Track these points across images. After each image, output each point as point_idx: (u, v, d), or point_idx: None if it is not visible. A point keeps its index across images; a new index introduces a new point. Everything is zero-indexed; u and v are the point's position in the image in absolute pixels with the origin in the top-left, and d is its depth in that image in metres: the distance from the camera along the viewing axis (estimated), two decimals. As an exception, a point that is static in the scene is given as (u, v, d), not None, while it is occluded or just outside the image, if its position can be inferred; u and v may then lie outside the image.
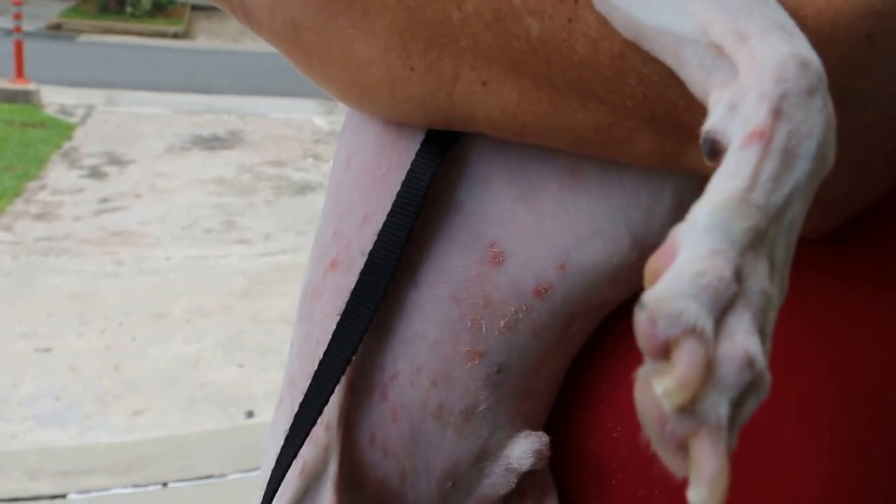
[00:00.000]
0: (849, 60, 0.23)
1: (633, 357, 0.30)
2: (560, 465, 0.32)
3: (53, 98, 5.09)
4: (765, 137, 0.18)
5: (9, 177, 3.79)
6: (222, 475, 1.84)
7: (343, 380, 0.29)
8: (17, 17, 5.21)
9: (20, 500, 1.79)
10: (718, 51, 0.20)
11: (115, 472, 1.89)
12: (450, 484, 0.30)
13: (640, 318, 0.17)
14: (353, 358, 0.29)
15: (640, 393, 0.16)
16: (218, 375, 2.25)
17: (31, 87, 5.06)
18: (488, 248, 0.29)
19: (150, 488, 1.84)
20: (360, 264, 0.29)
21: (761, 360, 0.17)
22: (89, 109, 5.02)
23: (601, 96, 0.25)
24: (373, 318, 0.28)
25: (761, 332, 0.17)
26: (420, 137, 0.29)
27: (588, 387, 0.31)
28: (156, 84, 5.74)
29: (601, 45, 0.24)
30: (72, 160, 4.15)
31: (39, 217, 3.43)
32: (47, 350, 2.38)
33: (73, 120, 4.79)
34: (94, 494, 1.83)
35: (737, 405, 0.17)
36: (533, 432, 0.31)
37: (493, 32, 0.25)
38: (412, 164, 0.29)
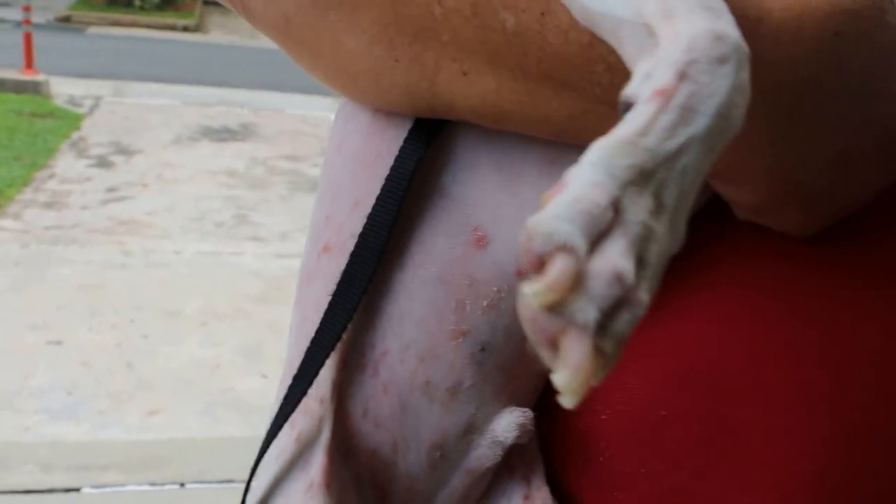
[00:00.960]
0: (816, 55, 0.25)
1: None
2: (549, 444, 0.33)
3: (62, 89, 5.06)
4: (666, 94, 0.20)
5: (18, 166, 3.75)
6: (243, 480, 1.79)
7: (336, 357, 0.31)
8: (27, 9, 5.21)
9: (34, 493, 1.74)
10: (649, 30, 0.22)
11: (130, 470, 1.84)
12: (438, 455, 0.31)
13: (521, 237, 0.19)
14: (346, 336, 0.31)
15: (520, 300, 0.19)
16: (238, 383, 2.20)
17: (41, 78, 5.04)
18: (473, 232, 0.30)
19: (168, 487, 1.79)
20: (351, 247, 0.30)
21: (630, 278, 0.19)
22: (97, 100, 4.99)
23: (573, 84, 0.26)
24: (361, 299, 0.30)
25: (641, 261, 0.19)
26: (408, 126, 0.30)
27: None
28: (165, 76, 5.71)
29: (571, 35, 0.26)
30: (79, 150, 4.11)
31: (48, 206, 3.39)
32: (58, 343, 2.33)
33: (81, 111, 4.76)
34: (108, 490, 1.78)
35: (609, 316, 0.19)
36: (518, 408, 0.32)
37: (471, 26, 0.27)
38: (400, 151, 0.30)
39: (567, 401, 0.18)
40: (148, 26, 7.86)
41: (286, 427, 0.32)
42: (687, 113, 0.20)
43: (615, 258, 0.19)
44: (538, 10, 0.26)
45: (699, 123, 0.20)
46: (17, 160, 3.81)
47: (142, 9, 8.30)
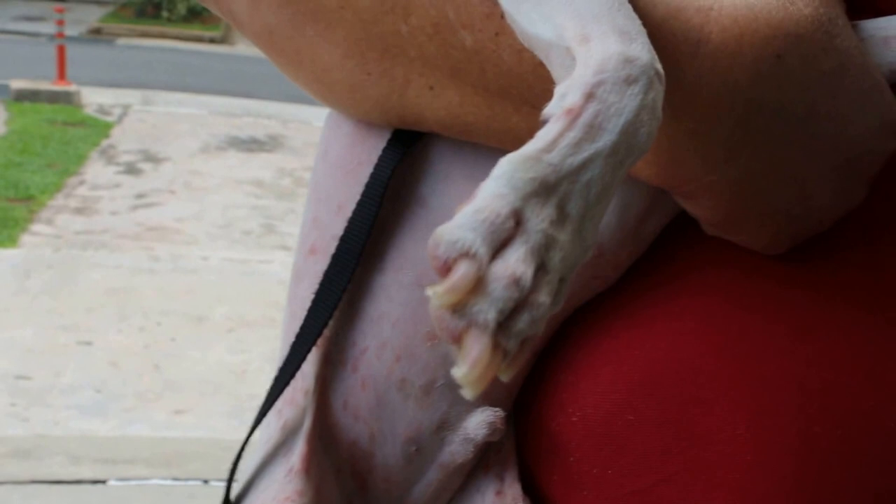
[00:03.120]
0: (757, 76, 0.26)
1: (594, 350, 0.32)
2: (524, 443, 0.34)
3: (92, 98, 5.21)
4: (573, 113, 0.22)
5: (50, 173, 3.87)
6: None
7: (320, 352, 0.33)
8: (60, 23, 5.38)
9: (62, 483, 1.81)
10: (570, 53, 0.23)
11: (154, 464, 1.90)
12: (413, 449, 0.33)
13: (429, 245, 0.20)
14: (329, 333, 0.32)
15: (428, 298, 0.20)
16: (265, 389, 2.24)
17: (72, 88, 5.19)
18: None
19: (191, 483, 1.85)
20: (333, 249, 0.32)
21: (527, 282, 0.21)
22: (126, 109, 5.12)
23: (530, 100, 0.28)
24: (341, 298, 0.31)
25: (544, 267, 0.21)
26: (387, 136, 0.32)
27: (551, 376, 0.33)
28: (192, 86, 5.83)
29: (525, 55, 0.27)
30: (109, 157, 4.23)
31: (79, 211, 3.50)
32: (88, 343, 2.41)
33: (110, 119, 4.89)
34: (133, 483, 1.84)
35: (509, 317, 0.20)
36: (490, 408, 0.33)
37: (434, 43, 0.28)
38: (378, 159, 0.32)
39: (467, 392, 0.20)
40: (175, 38, 8.02)
41: (274, 416, 0.34)
42: (592, 130, 0.22)
43: (514, 264, 0.20)
44: (493, 31, 0.27)
45: (604, 140, 0.22)
46: (50, 167, 3.94)
47: (169, 20, 8.49)
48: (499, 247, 0.21)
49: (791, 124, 0.27)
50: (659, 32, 0.25)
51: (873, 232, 0.30)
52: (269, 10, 0.31)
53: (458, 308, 0.20)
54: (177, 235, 3.32)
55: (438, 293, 0.20)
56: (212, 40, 8.16)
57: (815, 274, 0.30)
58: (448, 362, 0.32)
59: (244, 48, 7.73)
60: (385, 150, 0.32)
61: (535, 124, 0.28)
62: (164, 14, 8.58)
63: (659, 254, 0.32)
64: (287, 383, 0.32)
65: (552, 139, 0.22)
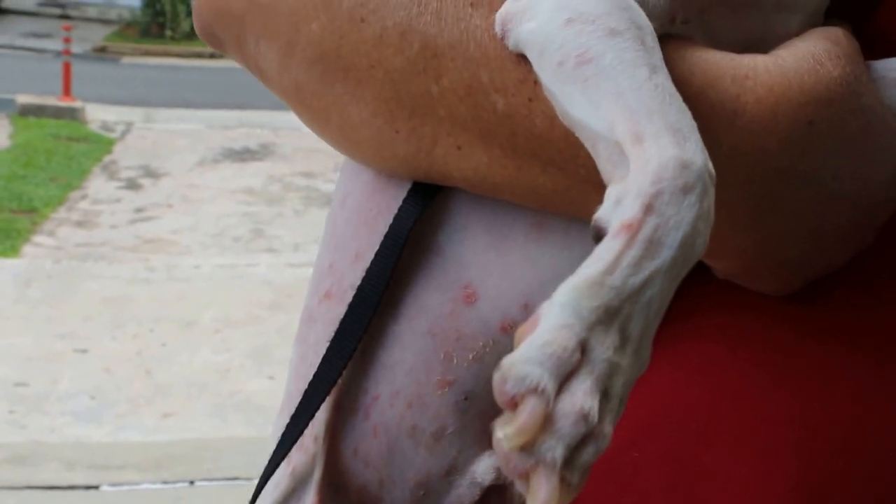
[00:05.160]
0: (790, 144, 0.26)
1: None
2: None
3: (96, 115, 5.29)
4: (632, 229, 0.22)
5: (54, 186, 3.94)
6: (249, 479, 1.88)
7: (331, 399, 0.33)
8: (67, 40, 5.50)
9: (57, 489, 1.86)
10: (621, 149, 0.23)
11: (145, 469, 1.94)
12: (422, 493, 0.34)
13: (495, 378, 0.21)
14: (341, 380, 0.33)
15: (495, 435, 0.21)
16: (247, 385, 2.30)
17: (77, 104, 5.27)
18: (463, 289, 0.32)
19: (178, 485, 1.89)
20: (350, 297, 0.33)
21: (595, 416, 0.21)
22: (128, 126, 5.20)
23: (559, 164, 0.28)
24: (356, 347, 0.32)
25: (606, 395, 0.21)
26: (407, 186, 0.32)
27: None
28: (192, 101, 5.91)
29: (557, 122, 0.27)
30: (111, 172, 4.30)
31: (80, 224, 3.57)
32: (84, 351, 2.47)
33: (113, 135, 4.97)
34: (125, 488, 1.89)
35: (574, 450, 0.21)
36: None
37: (465, 105, 0.29)
38: (398, 210, 0.32)
39: None
40: (177, 55, 8.13)
41: (283, 461, 0.34)
42: (652, 246, 0.22)
43: (581, 398, 0.20)
44: (526, 96, 0.27)
45: (664, 256, 0.22)
46: (53, 181, 4.01)
47: (172, 38, 8.62)
48: (564, 379, 0.21)
49: (817, 187, 0.27)
50: (696, 103, 0.25)
51: (871, 273, 0.30)
52: (298, 67, 0.31)
53: (527, 446, 0.20)
54: (172, 247, 3.38)
55: (508, 435, 0.20)
56: (212, 55, 8.26)
57: (814, 312, 0.30)
58: (458, 409, 0.32)
59: (244, 64, 7.79)
60: (405, 200, 0.32)
61: (560, 185, 0.28)
62: (168, 33, 8.71)
63: None
64: (301, 432, 0.33)
65: (613, 259, 0.22)
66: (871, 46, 0.29)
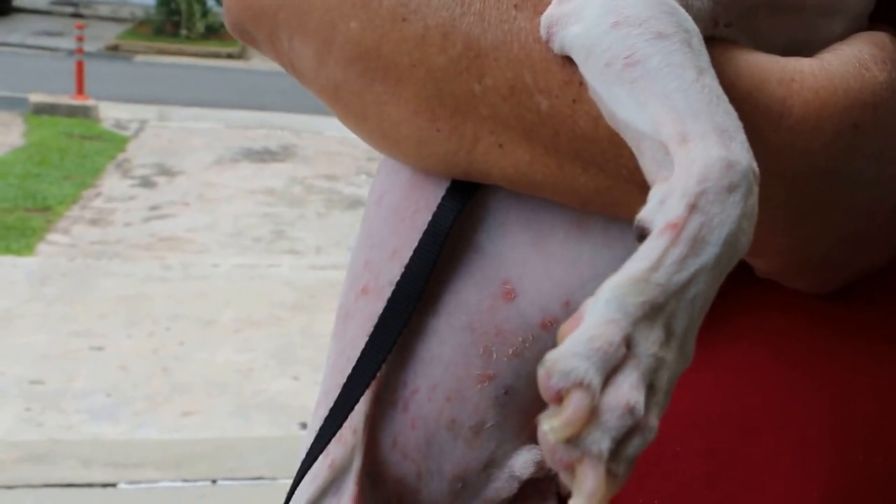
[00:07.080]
0: (835, 147, 0.26)
1: None
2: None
3: (110, 113, 5.30)
4: (677, 228, 0.22)
5: (67, 185, 3.94)
6: (273, 478, 1.86)
7: (370, 392, 0.33)
8: (80, 39, 5.50)
9: (74, 486, 1.84)
10: (666, 149, 0.23)
11: (164, 467, 1.92)
12: (460, 485, 0.34)
13: (540, 373, 0.21)
14: (380, 374, 0.33)
15: (540, 427, 0.21)
16: (270, 385, 2.28)
17: (90, 102, 5.29)
18: (502, 285, 0.32)
19: (200, 483, 1.87)
20: (387, 293, 0.33)
21: (641, 409, 0.21)
22: (142, 124, 5.21)
23: (601, 164, 0.28)
24: (395, 342, 0.32)
25: (652, 388, 0.21)
26: (446, 184, 0.32)
27: None
28: (208, 101, 5.91)
29: (601, 122, 0.27)
30: (124, 170, 4.30)
31: (94, 222, 3.56)
32: (100, 349, 2.45)
33: (127, 133, 4.98)
34: (143, 486, 1.87)
35: (621, 443, 0.21)
36: (536, 446, 0.33)
37: (508, 104, 0.29)
38: (438, 208, 0.32)
39: None
40: (193, 54, 8.16)
41: (321, 454, 0.34)
42: (696, 244, 0.22)
43: (627, 391, 0.21)
44: (570, 97, 0.27)
45: (708, 254, 0.22)
46: (67, 179, 4.01)
47: (187, 38, 8.64)
48: (610, 373, 0.21)
49: (859, 189, 0.27)
50: (742, 104, 0.25)
51: None
52: (336, 65, 0.31)
53: (573, 438, 0.20)
54: (189, 245, 3.37)
55: (555, 427, 0.20)
56: (229, 56, 8.29)
57: (854, 312, 0.30)
58: (498, 404, 0.32)
59: (259, 62, 7.84)
60: (444, 197, 0.32)
61: (601, 185, 0.29)
62: (183, 32, 8.73)
63: None
64: (340, 425, 0.33)
65: (658, 257, 0.22)
66: None
